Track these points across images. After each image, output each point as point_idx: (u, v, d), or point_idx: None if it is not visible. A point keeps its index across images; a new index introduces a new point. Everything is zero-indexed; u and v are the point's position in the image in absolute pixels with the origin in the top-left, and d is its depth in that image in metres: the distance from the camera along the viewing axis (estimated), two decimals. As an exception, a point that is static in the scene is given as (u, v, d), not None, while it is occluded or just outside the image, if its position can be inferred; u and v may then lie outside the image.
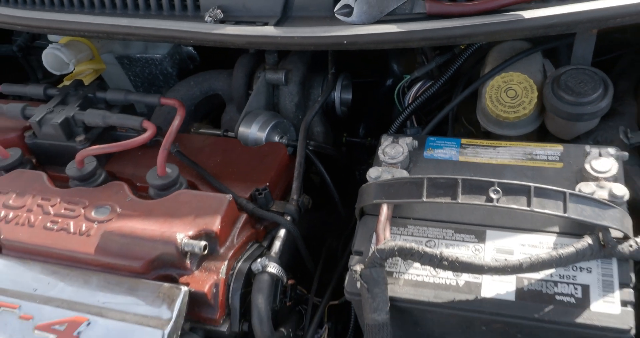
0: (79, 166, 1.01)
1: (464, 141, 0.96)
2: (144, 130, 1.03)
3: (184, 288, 0.85)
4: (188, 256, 0.87)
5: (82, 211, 0.95)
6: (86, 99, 1.13)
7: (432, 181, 0.80)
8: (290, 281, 0.96)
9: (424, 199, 0.79)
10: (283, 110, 1.27)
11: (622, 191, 0.81)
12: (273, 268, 0.89)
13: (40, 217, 0.95)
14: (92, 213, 0.94)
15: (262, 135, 1.17)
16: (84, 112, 1.08)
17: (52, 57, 1.34)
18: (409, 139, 0.94)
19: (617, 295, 0.75)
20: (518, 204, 0.76)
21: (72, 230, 0.92)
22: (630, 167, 0.97)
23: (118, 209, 0.94)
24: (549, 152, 0.92)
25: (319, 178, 1.20)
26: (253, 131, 1.18)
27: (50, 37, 1.41)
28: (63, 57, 1.33)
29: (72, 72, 1.37)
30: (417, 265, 0.82)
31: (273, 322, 0.93)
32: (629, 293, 0.75)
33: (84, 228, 0.92)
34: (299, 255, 1.04)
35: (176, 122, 1.00)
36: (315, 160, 1.13)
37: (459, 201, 0.77)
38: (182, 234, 0.87)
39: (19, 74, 1.67)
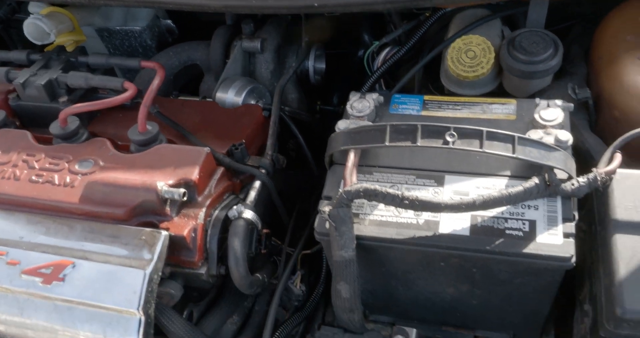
0: (62, 124, 1.06)
1: (426, 97, 1.03)
2: (125, 91, 1.08)
3: (164, 233, 0.90)
4: (168, 203, 0.93)
5: (66, 165, 1.00)
6: (68, 63, 1.17)
7: (394, 127, 0.86)
8: (265, 231, 1.02)
9: (387, 143, 0.85)
10: (259, 77, 1.32)
11: (566, 136, 0.88)
12: (248, 214, 0.96)
13: (25, 171, 1.00)
14: (76, 166, 0.99)
15: (239, 99, 1.23)
16: (66, 75, 1.13)
17: (33, 27, 1.38)
18: (375, 95, 1.01)
19: (560, 229, 0.83)
20: (471, 146, 0.83)
21: (56, 182, 0.97)
22: (578, 121, 1.05)
23: (101, 163, 0.99)
24: (504, 106, 0.99)
25: (295, 148, 1.27)
26: (230, 96, 1.24)
27: (31, 8, 1.44)
28: (44, 27, 1.37)
29: (53, 42, 1.41)
30: (381, 206, 0.89)
31: (249, 268, 1.00)
32: (571, 227, 0.83)
33: (68, 180, 0.97)
34: (274, 208, 1.10)
35: (156, 82, 1.05)
36: (289, 122, 1.20)
37: (418, 144, 0.84)
38: (162, 182, 0.92)
39: (-1, 48, 1.70)
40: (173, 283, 0.98)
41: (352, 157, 0.91)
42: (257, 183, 1.02)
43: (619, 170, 0.88)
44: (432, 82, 1.24)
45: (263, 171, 1.04)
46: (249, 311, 1.07)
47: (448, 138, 0.84)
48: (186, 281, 1.00)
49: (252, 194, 1.00)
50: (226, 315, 1.02)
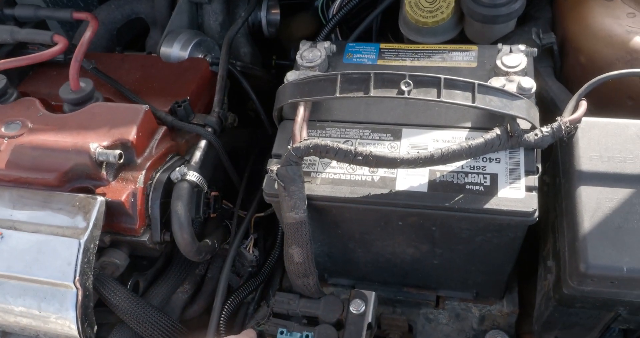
0: (-14, 84, 0.97)
1: (382, 46, 0.96)
2: (55, 45, 0.99)
3: (100, 198, 0.83)
4: (104, 166, 0.86)
5: (-9, 127, 0.91)
6: (-8, 16, 1.07)
7: (346, 77, 0.80)
8: (213, 193, 0.96)
9: (337, 94, 0.79)
10: (208, 30, 1.23)
11: (529, 83, 0.83)
12: (192, 176, 0.89)
13: (-54, 136, 0.91)
14: (2, 129, 0.91)
15: (185, 54, 1.14)
16: (-11, 29, 1.03)
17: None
18: (327, 44, 0.93)
19: (522, 182, 0.78)
20: (428, 95, 0.77)
21: (-20, 147, 0.89)
22: (543, 68, 1.00)
23: (29, 124, 0.91)
24: (465, 53, 0.93)
25: (254, 109, 1.19)
26: (175, 50, 1.15)
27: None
28: (-32, -20, 1.25)
29: (-18, -3, 1.29)
30: (334, 164, 0.83)
31: (199, 235, 0.94)
32: (534, 180, 0.79)
33: (-7, 144, 0.89)
34: (224, 170, 1.04)
35: (88, 34, 0.96)
36: (240, 77, 1.11)
37: (371, 94, 0.77)
38: (96, 144, 0.85)
39: None
40: (117, 252, 0.92)
41: (301, 111, 0.84)
42: (202, 143, 0.95)
43: (585, 118, 0.84)
44: (392, 30, 1.16)
45: (209, 129, 0.97)
46: (201, 279, 1.02)
47: (403, 87, 0.77)
48: (132, 249, 0.94)
49: (197, 155, 0.93)
50: (176, 284, 0.97)
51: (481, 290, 1.02)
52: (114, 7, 1.31)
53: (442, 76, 0.77)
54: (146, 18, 1.32)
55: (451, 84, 0.77)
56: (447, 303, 1.05)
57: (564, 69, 1.03)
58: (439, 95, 0.77)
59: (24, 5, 1.10)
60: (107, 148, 0.85)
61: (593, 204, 0.77)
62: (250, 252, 1.01)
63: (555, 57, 1.02)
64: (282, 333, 0.82)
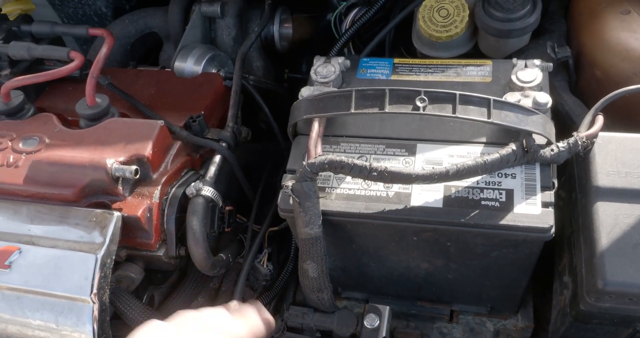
0: (5, 99, 0.98)
1: (396, 60, 0.96)
2: (72, 61, 1.00)
3: (117, 214, 0.84)
4: (120, 182, 0.86)
5: (9, 143, 0.92)
6: (10, 32, 1.09)
7: (361, 93, 0.80)
8: (228, 208, 0.96)
9: (352, 110, 0.79)
10: (221, 44, 1.24)
11: (545, 98, 0.82)
12: (207, 191, 0.89)
13: (-34, 153, 0.92)
14: (20, 145, 0.92)
15: (199, 68, 1.15)
16: (7, 45, 1.04)
17: (-25, -4, 1.28)
18: (341, 59, 0.94)
19: (538, 198, 0.78)
20: (444, 111, 0.77)
21: (-1, 162, 0.90)
22: (558, 82, 1.00)
23: (46, 140, 0.92)
24: (479, 68, 0.93)
25: (266, 121, 1.20)
26: (189, 65, 1.16)
27: (-27, -25, 1.34)
28: (-13, -4, 1.27)
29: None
30: (348, 179, 0.84)
31: (213, 249, 0.94)
32: (550, 195, 0.78)
33: (11, 160, 0.90)
34: (238, 184, 1.04)
35: (104, 50, 0.97)
36: (253, 91, 1.12)
37: (386, 110, 0.78)
38: (112, 159, 0.85)
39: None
40: (133, 266, 0.93)
41: (316, 126, 0.84)
42: (217, 158, 0.96)
43: (601, 133, 0.83)
44: (405, 45, 1.17)
45: (224, 144, 0.97)
46: (215, 292, 1.02)
47: (418, 103, 0.77)
48: (147, 263, 0.94)
49: (212, 170, 0.94)
50: (190, 298, 0.97)
51: (496, 304, 1.01)
52: (127, 22, 1.33)
53: (458, 92, 0.77)
54: (159, 32, 1.33)
55: (466, 100, 0.77)
56: (461, 317, 1.04)
57: (579, 83, 1.02)
58: (454, 111, 0.77)
59: (40, 22, 1.12)
60: (123, 163, 0.86)
61: (610, 221, 0.76)
62: (265, 266, 1.01)
63: (570, 71, 1.02)
64: (297, 349, 0.82)
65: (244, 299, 0.97)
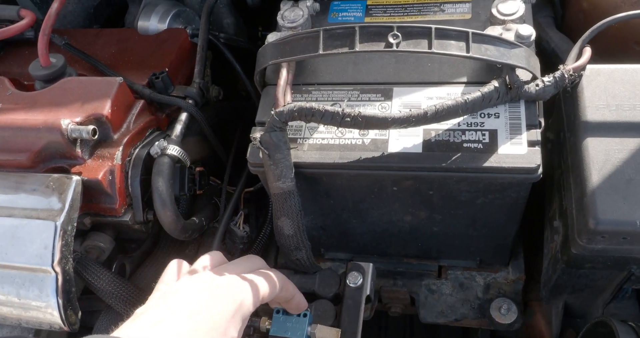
0: (-47, 65, 0.92)
1: (370, 2, 0.90)
2: (22, 19, 0.93)
3: (75, 177, 0.78)
4: (78, 144, 0.81)
5: (-41, 109, 0.86)
6: (-45, -7, 1.01)
7: (329, 33, 0.73)
8: (198, 169, 0.91)
9: (321, 51, 0.73)
10: (187, 1, 1.17)
11: (528, 30, 0.77)
12: (173, 150, 0.84)
13: None
14: (-30, 111, 0.86)
15: (163, 26, 1.09)
16: (-47, 7, 0.97)
17: None
18: (309, 2, 0.87)
19: (524, 137, 0.73)
20: (419, 47, 0.71)
21: (-52, 129, 0.84)
22: (543, 18, 0.94)
23: (-2, 104, 0.86)
24: (458, 5, 0.87)
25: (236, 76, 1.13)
26: (153, 22, 1.09)
27: None
28: None
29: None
30: (321, 128, 0.78)
31: (187, 213, 0.89)
32: (536, 134, 0.73)
33: (-39, 127, 0.84)
34: (210, 145, 0.98)
35: (55, 5, 0.89)
36: (223, 49, 1.06)
37: (357, 49, 0.71)
38: (68, 120, 0.79)
39: None
40: (101, 235, 0.88)
41: (284, 74, 0.79)
42: (183, 115, 0.90)
43: (589, 66, 0.78)
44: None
45: (190, 101, 0.91)
46: (191, 260, 0.96)
47: (391, 40, 0.71)
48: (117, 232, 0.89)
49: (178, 128, 0.88)
50: (164, 265, 0.91)
51: (485, 257, 0.97)
52: (89, -19, 1.26)
53: (433, 26, 0.71)
54: (124, -7, 1.26)
55: (443, 34, 0.71)
56: (450, 272, 1.00)
57: (565, 17, 0.96)
58: (430, 46, 0.71)
59: (-11, -20, 1.04)
60: (80, 124, 0.80)
61: (601, 157, 0.71)
62: (241, 228, 0.96)
63: (555, 6, 0.96)
64: (277, 312, 0.78)
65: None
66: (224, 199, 0.97)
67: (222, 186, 0.99)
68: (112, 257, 0.91)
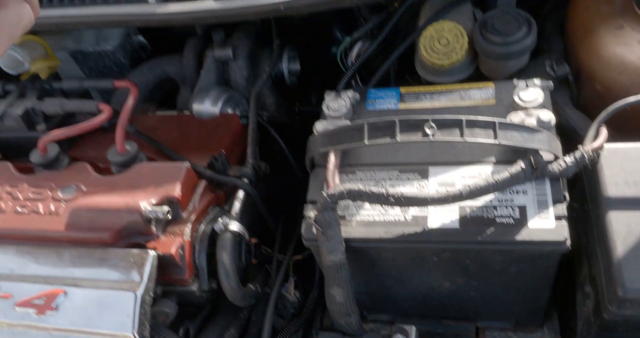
0: (42, 152, 1.05)
1: (402, 89, 1.01)
2: (101, 113, 1.07)
3: (152, 253, 0.89)
4: (153, 222, 0.92)
5: (49, 193, 0.99)
6: (43, 90, 1.16)
7: (372, 125, 0.85)
8: (253, 240, 1.01)
9: (366, 141, 0.84)
10: (234, 85, 1.31)
11: (548, 116, 0.87)
12: (234, 226, 0.94)
13: (10, 203, 0.99)
14: (59, 194, 0.98)
15: (216, 109, 1.22)
16: (42, 102, 1.12)
17: (7, 58, 1.37)
18: (350, 93, 0.99)
19: (551, 211, 0.81)
20: (452, 136, 0.81)
21: (41, 211, 0.96)
22: (561, 98, 1.04)
23: (83, 188, 0.98)
24: (482, 91, 0.97)
25: (280, 151, 1.25)
26: (206, 106, 1.22)
27: (2, 39, 1.43)
28: (18, 57, 1.36)
29: (28, 70, 1.40)
30: (367, 206, 0.88)
31: (241, 280, 0.99)
32: (562, 208, 0.81)
33: (52, 208, 0.96)
34: (261, 216, 1.09)
35: (130, 101, 1.04)
36: (268, 127, 1.18)
37: (398, 139, 0.82)
38: (145, 202, 0.91)
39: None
40: (167, 301, 0.97)
41: (332, 158, 0.89)
42: (240, 193, 1.01)
43: (606, 145, 0.87)
44: (409, 71, 1.22)
45: (245, 180, 1.03)
46: (246, 322, 1.06)
47: (427, 130, 0.82)
48: (180, 298, 0.99)
49: (237, 205, 0.99)
50: (223, 329, 1.01)
51: (520, 318, 1.03)
52: (146, 70, 1.41)
53: (464, 117, 0.81)
54: (175, 77, 1.41)
55: (473, 124, 0.81)
56: (487, 333, 1.06)
57: (581, 97, 1.06)
58: (462, 135, 0.81)
59: (70, 79, 1.20)
60: (155, 205, 0.91)
61: (624, 229, 0.79)
62: (292, 294, 1.05)
63: (571, 86, 1.06)
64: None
65: (274, 330, 1.01)
66: (275, 266, 1.07)
67: (272, 254, 1.09)
68: (174, 321, 1.01)
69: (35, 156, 1.06)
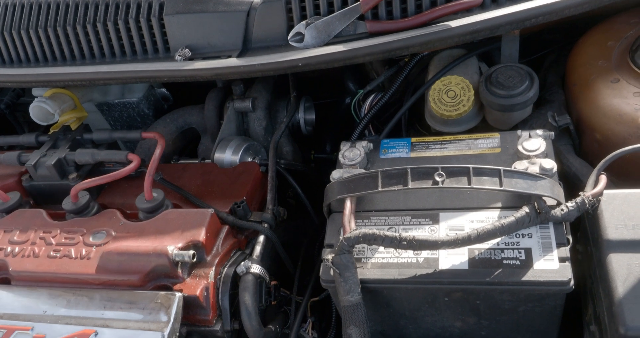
0: (73, 200, 1.12)
1: (414, 139, 1.08)
2: (130, 162, 1.14)
3: (178, 294, 0.94)
4: (179, 265, 0.97)
5: (81, 238, 1.05)
6: (75, 141, 1.24)
7: (386, 173, 0.91)
8: (273, 283, 1.06)
9: (380, 189, 0.90)
10: (253, 135, 1.39)
11: (550, 164, 0.93)
12: (256, 269, 1.00)
13: (43, 248, 1.05)
14: (90, 239, 1.04)
15: (236, 158, 1.29)
16: (74, 152, 1.20)
17: (38, 110, 1.46)
18: (364, 143, 1.06)
19: (555, 254, 0.86)
20: (460, 183, 0.88)
21: (73, 256, 1.02)
22: (563, 146, 1.10)
23: (113, 233, 1.04)
24: (488, 140, 1.04)
25: (294, 197, 1.32)
26: (227, 155, 1.30)
27: (34, 92, 1.52)
28: (48, 108, 1.45)
29: (57, 122, 1.49)
30: (381, 249, 0.93)
31: (261, 320, 1.03)
32: (565, 251, 0.86)
33: (84, 253, 1.02)
34: (280, 259, 1.14)
35: (158, 151, 1.11)
36: (286, 174, 1.25)
37: (410, 186, 0.88)
38: (172, 246, 0.97)
39: (6, 130, 1.78)
40: (191, 341, 1.02)
41: (348, 205, 0.95)
42: (261, 238, 1.07)
43: (606, 191, 0.92)
44: (419, 122, 1.29)
45: (266, 225, 1.09)
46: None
47: (437, 178, 0.88)
48: (202, 338, 1.03)
49: (258, 249, 1.05)
50: (246, 370, 1.05)
51: (531, 357, 1.06)
52: (169, 120, 1.50)
53: (471, 166, 0.87)
54: (197, 127, 1.50)
55: (479, 172, 0.88)
56: (499, 372, 1.09)
57: (582, 145, 1.12)
58: (469, 183, 0.87)
59: (100, 130, 1.28)
60: (181, 249, 0.97)
61: (624, 271, 0.83)
62: (310, 335, 1.09)
63: (573, 135, 1.12)
64: None
65: None
66: (293, 308, 1.11)
67: (290, 296, 1.14)
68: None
69: (67, 204, 1.13)
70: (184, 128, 1.50)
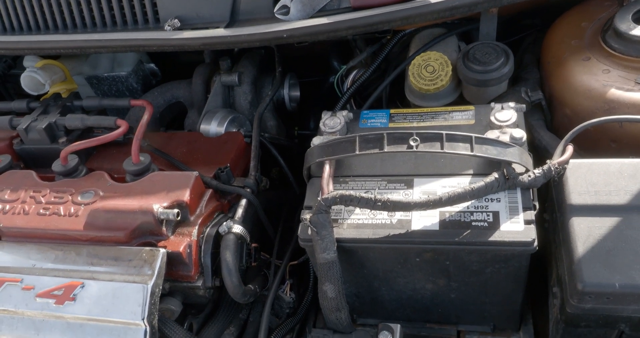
0: (63, 162, 1.15)
1: (392, 111, 1.13)
2: (118, 127, 1.18)
3: (162, 250, 0.98)
4: (164, 223, 1.01)
5: (70, 197, 1.08)
6: (65, 107, 1.27)
7: (363, 138, 0.95)
8: (254, 245, 1.10)
9: (357, 152, 0.94)
10: (239, 108, 1.43)
11: (520, 133, 0.97)
12: (237, 229, 1.04)
13: (33, 206, 1.09)
14: (79, 198, 1.08)
15: (222, 129, 1.33)
16: (64, 117, 1.23)
17: (29, 80, 1.49)
18: (345, 112, 1.11)
19: (521, 217, 0.91)
20: (433, 148, 0.92)
21: (62, 213, 1.06)
22: (535, 121, 1.15)
23: (101, 193, 1.08)
24: (463, 113, 1.09)
25: (277, 173, 1.36)
26: (213, 126, 1.34)
27: (26, 63, 1.56)
28: (39, 79, 1.48)
29: (47, 92, 1.52)
30: (357, 211, 0.98)
31: (242, 280, 1.07)
32: (531, 214, 0.91)
33: (72, 210, 1.06)
34: (261, 224, 1.19)
35: (145, 117, 1.15)
36: (269, 145, 1.29)
37: (385, 150, 0.93)
38: (158, 205, 1.01)
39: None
40: (172, 299, 1.06)
41: (327, 168, 1.00)
42: (243, 201, 1.11)
43: (572, 160, 0.97)
44: (399, 98, 1.34)
45: (248, 190, 1.13)
46: (244, 322, 1.14)
47: (412, 143, 0.92)
48: (185, 297, 1.07)
49: (240, 211, 1.09)
50: (223, 326, 1.09)
51: (498, 322, 1.11)
52: (157, 94, 1.53)
53: (444, 132, 0.92)
54: (184, 101, 1.53)
55: (452, 138, 0.92)
56: (468, 337, 1.14)
57: (553, 120, 1.17)
58: (442, 147, 0.91)
59: (90, 97, 1.31)
60: (166, 208, 1.01)
61: (585, 232, 0.88)
62: (288, 295, 1.14)
63: (545, 111, 1.17)
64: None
65: (270, 329, 1.09)
66: (272, 271, 1.16)
67: (270, 259, 1.18)
68: (178, 319, 1.09)
69: (56, 166, 1.16)
70: (172, 102, 1.53)
